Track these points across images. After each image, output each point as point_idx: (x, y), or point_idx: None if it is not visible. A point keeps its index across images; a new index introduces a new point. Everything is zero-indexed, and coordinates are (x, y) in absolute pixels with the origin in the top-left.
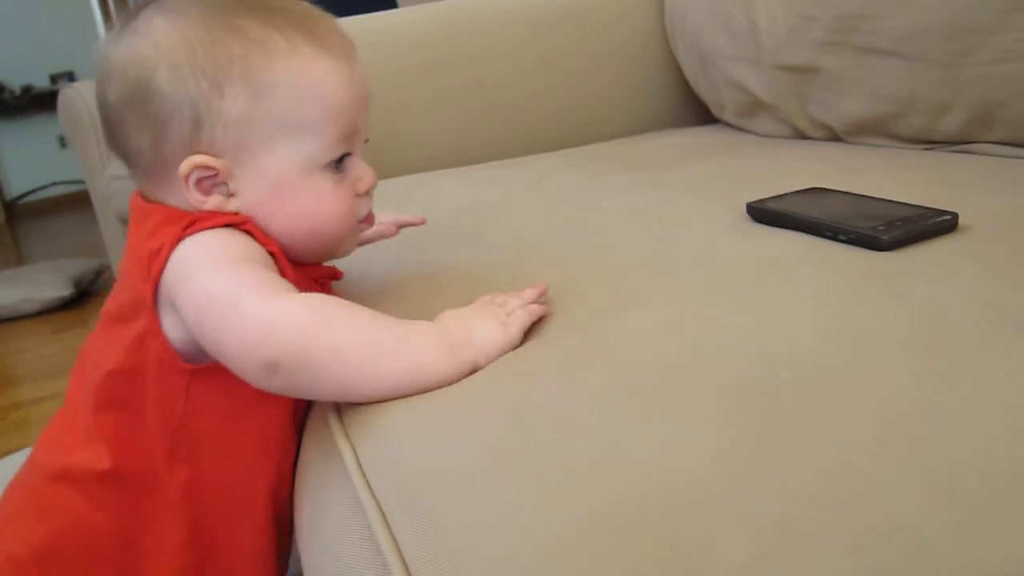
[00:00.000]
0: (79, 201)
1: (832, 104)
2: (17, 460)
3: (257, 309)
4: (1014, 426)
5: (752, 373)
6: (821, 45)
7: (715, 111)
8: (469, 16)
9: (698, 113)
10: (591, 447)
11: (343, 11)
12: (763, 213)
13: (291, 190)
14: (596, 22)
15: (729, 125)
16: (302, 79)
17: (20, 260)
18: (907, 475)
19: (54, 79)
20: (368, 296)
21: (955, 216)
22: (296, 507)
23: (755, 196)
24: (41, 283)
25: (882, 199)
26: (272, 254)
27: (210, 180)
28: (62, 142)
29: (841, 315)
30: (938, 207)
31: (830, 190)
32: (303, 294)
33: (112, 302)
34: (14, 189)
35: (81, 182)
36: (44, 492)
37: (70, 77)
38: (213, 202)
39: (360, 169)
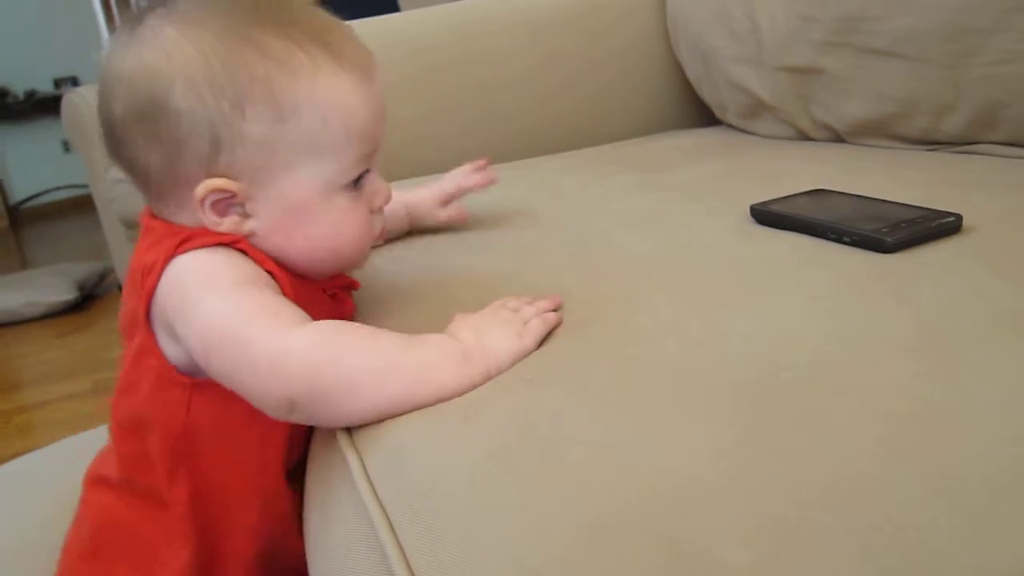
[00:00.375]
0: (83, 205)
1: (834, 105)
2: (20, 464)
3: (265, 347)
4: (1016, 427)
5: (754, 374)
6: (822, 46)
7: (717, 112)
8: (471, 19)
9: (700, 115)
10: (593, 448)
11: (345, 15)
12: (766, 215)
13: (312, 212)
14: (598, 24)
15: (731, 127)
16: (326, 100)
17: (24, 264)
18: (908, 476)
19: (58, 83)
20: (375, 301)
21: (959, 217)
22: (304, 514)
23: (758, 198)
24: (45, 287)
25: (886, 201)
26: (270, 273)
27: (226, 202)
28: (66, 146)
29: (843, 316)
30: (942, 208)
31: (834, 192)
32: (309, 325)
33: (120, 319)
34: (18, 193)
35: (85, 186)
36: (87, 494)
37: (74, 82)
38: (228, 224)
39: (376, 184)
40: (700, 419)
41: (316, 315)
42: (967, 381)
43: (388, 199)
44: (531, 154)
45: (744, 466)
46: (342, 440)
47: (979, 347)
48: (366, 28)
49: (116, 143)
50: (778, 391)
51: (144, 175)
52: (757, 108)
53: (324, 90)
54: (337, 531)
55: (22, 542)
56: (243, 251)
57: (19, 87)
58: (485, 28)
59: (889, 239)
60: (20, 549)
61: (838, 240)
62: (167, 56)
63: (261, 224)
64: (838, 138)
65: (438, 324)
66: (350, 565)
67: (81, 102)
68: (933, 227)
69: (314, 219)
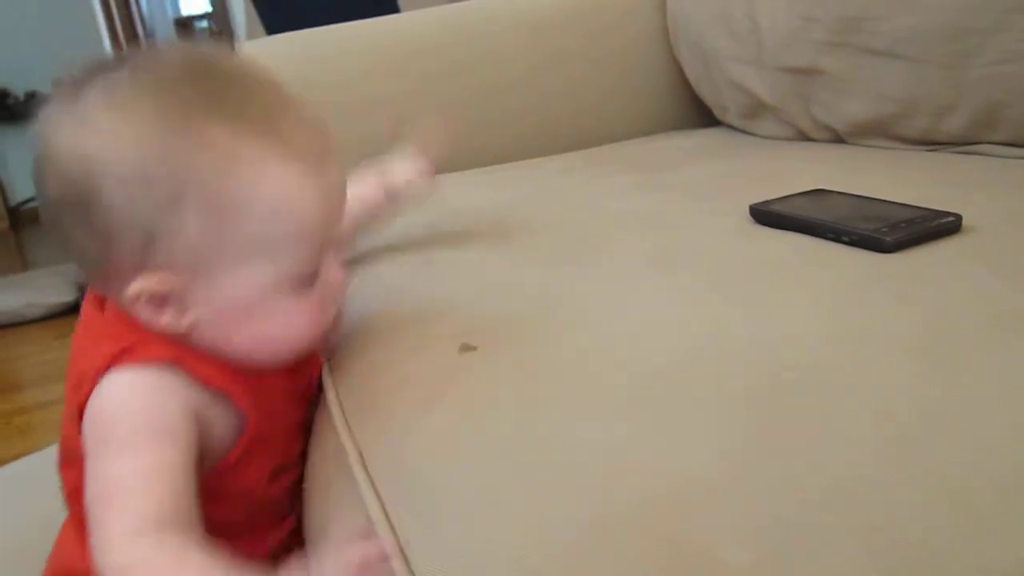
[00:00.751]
0: None
1: (834, 106)
2: (20, 466)
3: (108, 553)
4: (1017, 427)
5: (754, 374)
6: (822, 46)
7: (718, 113)
8: (471, 20)
9: (701, 115)
10: (593, 448)
11: (344, 17)
12: (766, 215)
13: (255, 311)
14: (598, 24)
15: (732, 127)
16: (273, 197)
17: (24, 265)
18: (910, 476)
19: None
20: (368, 302)
21: (959, 217)
22: (305, 514)
23: (758, 198)
24: (45, 288)
25: (886, 201)
26: (222, 391)
27: (162, 296)
28: None
29: (844, 317)
30: (942, 208)
31: (833, 192)
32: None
33: (68, 392)
34: (18, 194)
35: None
36: None
37: None
38: (167, 319)
39: (332, 272)
40: (701, 419)
41: (277, 407)
42: (968, 381)
43: (345, 288)
44: (532, 155)
45: (745, 466)
46: (343, 435)
47: (980, 347)
48: (367, 29)
49: (50, 220)
50: (779, 391)
51: (80, 258)
52: (757, 108)
53: (271, 186)
54: (337, 528)
55: (22, 542)
56: (188, 370)
57: (19, 88)
58: (486, 29)
59: (888, 239)
60: (20, 549)
61: (837, 240)
62: (101, 144)
63: (201, 319)
64: (838, 138)
65: (434, 328)
66: None
67: None
68: (932, 227)
69: (258, 318)
